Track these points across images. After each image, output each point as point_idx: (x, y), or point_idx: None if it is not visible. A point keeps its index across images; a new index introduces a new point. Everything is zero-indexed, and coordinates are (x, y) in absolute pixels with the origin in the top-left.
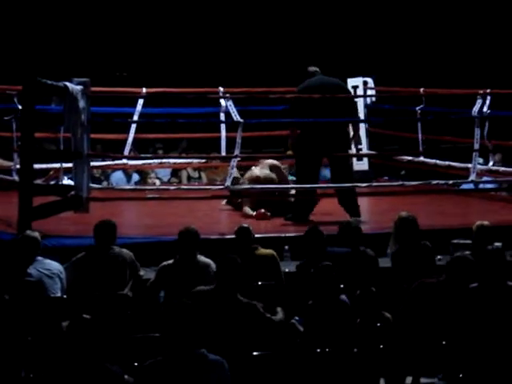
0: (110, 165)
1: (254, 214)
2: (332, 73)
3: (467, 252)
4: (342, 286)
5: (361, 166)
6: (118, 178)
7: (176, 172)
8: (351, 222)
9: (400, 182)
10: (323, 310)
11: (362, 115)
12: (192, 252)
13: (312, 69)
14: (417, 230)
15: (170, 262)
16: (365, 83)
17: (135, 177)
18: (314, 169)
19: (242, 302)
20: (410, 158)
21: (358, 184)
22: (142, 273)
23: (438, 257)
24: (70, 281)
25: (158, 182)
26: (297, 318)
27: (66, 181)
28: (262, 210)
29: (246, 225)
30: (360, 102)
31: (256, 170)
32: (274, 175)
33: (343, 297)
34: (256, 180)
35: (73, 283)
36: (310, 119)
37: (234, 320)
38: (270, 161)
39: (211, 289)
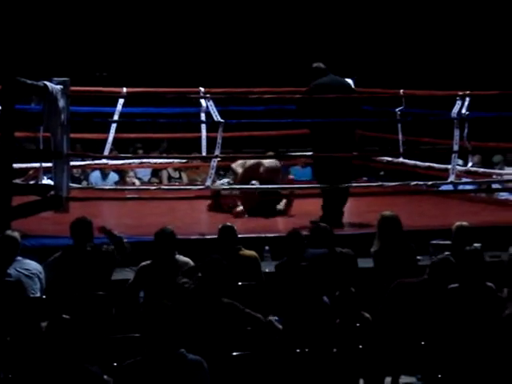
0: (89, 164)
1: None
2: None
3: (447, 253)
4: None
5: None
6: (96, 177)
7: (156, 172)
8: (319, 223)
9: (379, 183)
10: (304, 310)
11: None
12: (169, 252)
13: (320, 66)
14: (400, 229)
15: (149, 262)
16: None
17: (114, 176)
18: (331, 168)
19: (223, 302)
20: (389, 158)
21: (337, 185)
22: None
23: (418, 257)
24: (48, 280)
25: (137, 181)
26: (276, 317)
27: (46, 180)
28: (240, 208)
29: (229, 224)
30: None
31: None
32: (277, 163)
33: (324, 298)
34: (255, 167)
35: (51, 283)
36: (320, 119)
37: (215, 321)
38: (269, 162)
39: (193, 286)
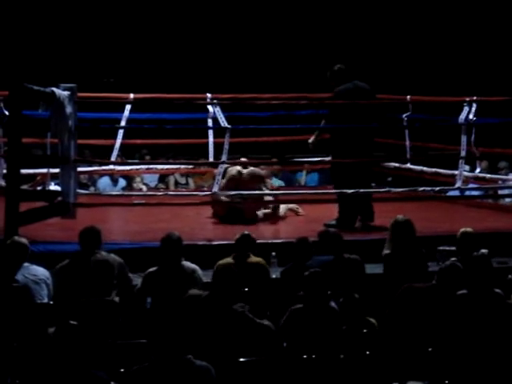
0: (97, 170)
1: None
2: (320, 79)
3: (453, 258)
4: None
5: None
6: (104, 183)
7: (163, 178)
8: (329, 229)
9: (386, 189)
10: (311, 315)
11: None
12: (176, 258)
13: (343, 68)
14: (413, 234)
15: (155, 268)
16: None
17: (122, 182)
18: (351, 173)
19: (234, 311)
20: (396, 164)
21: (345, 190)
22: (131, 278)
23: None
24: (55, 287)
25: (144, 187)
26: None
27: (53, 186)
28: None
29: (247, 232)
30: None
31: (236, 167)
32: (258, 169)
33: (332, 303)
34: (237, 177)
35: (59, 290)
36: (345, 125)
37: (225, 328)
38: (252, 169)
39: (205, 295)
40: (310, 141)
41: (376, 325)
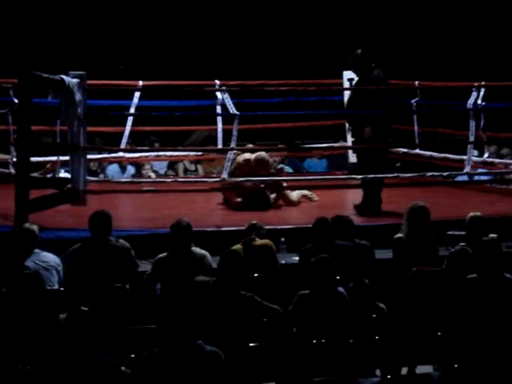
0: (106, 158)
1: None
2: (328, 66)
3: (463, 243)
4: (338, 278)
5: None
6: (113, 170)
7: (172, 165)
8: (342, 215)
9: (395, 174)
10: (320, 300)
11: None
12: (185, 244)
13: (366, 53)
14: (428, 220)
15: (165, 254)
16: None
17: (130, 170)
18: (380, 158)
19: (243, 295)
20: (405, 150)
21: (354, 176)
22: (138, 264)
23: None
24: (66, 271)
25: (152, 174)
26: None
27: (63, 174)
28: (238, 199)
29: (254, 222)
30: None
31: (244, 155)
32: (265, 154)
33: (341, 289)
34: (246, 163)
35: (69, 274)
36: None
37: (234, 313)
38: (258, 154)
39: (213, 281)
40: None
41: (385, 309)
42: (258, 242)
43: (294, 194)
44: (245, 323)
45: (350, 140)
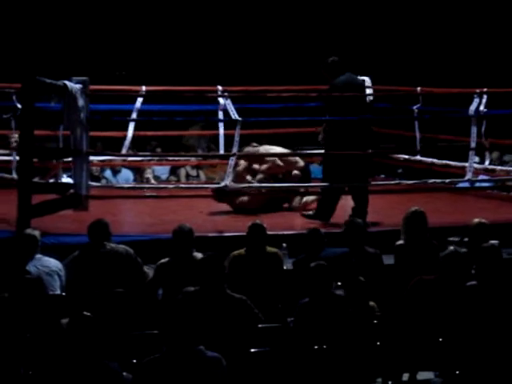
0: (109, 162)
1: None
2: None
3: (463, 250)
4: (339, 283)
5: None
6: (126, 176)
7: (174, 170)
8: (355, 220)
9: (397, 181)
10: (320, 307)
11: None
12: (187, 250)
13: (337, 60)
14: (424, 225)
15: (167, 260)
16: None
17: (127, 173)
18: (341, 166)
19: (232, 296)
20: (406, 156)
21: (355, 183)
22: (146, 269)
23: None
24: (67, 279)
25: (152, 179)
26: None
27: (66, 179)
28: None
29: (258, 221)
30: None
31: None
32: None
33: (339, 292)
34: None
35: (69, 281)
36: (339, 117)
37: (225, 315)
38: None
39: (198, 288)
40: (319, 137)
41: (375, 307)
42: (270, 249)
43: (309, 199)
44: (236, 324)
45: None
